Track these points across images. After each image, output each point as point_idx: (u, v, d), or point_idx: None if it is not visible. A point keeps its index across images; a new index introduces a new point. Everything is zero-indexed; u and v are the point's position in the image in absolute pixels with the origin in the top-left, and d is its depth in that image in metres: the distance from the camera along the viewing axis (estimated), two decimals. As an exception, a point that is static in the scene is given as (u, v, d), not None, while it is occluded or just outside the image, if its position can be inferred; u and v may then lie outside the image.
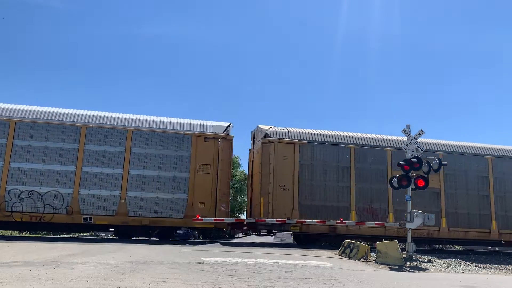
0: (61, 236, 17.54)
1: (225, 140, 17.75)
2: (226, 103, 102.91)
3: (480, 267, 13.24)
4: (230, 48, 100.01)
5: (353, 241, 13.90)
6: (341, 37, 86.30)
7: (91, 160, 16.52)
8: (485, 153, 19.73)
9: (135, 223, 16.49)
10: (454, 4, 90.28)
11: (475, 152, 19.65)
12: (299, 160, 17.88)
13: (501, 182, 19.53)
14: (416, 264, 12.41)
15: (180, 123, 17.71)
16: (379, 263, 12.10)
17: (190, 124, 17.79)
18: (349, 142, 18.57)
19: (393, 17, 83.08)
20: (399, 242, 12.73)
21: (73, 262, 8.74)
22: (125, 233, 17.07)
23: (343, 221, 16.81)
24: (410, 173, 13.80)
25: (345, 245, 14.15)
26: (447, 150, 19.27)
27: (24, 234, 20.50)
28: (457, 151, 19.43)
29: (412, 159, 13.75)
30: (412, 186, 13.82)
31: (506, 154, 19.98)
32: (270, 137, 17.96)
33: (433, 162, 14.18)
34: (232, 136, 17.99)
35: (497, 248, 21.99)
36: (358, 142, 18.62)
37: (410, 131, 14.33)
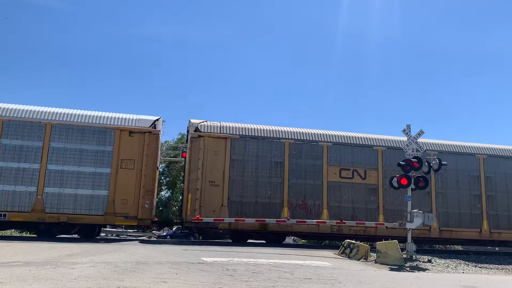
0: (61, 236, 17.48)
1: (151, 134, 17.08)
2: (229, 103, 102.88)
3: (480, 267, 13.24)
4: (230, 48, 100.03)
5: (353, 241, 13.90)
6: (340, 37, 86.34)
7: (7, 155, 15.93)
8: (477, 152, 19.60)
9: (52, 220, 15.87)
10: (454, 5, 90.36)
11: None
12: (230, 155, 17.42)
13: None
14: (416, 264, 12.41)
15: (103, 116, 17.07)
16: (379, 263, 12.11)
17: (114, 117, 17.18)
18: (283, 137, 18.09)
19: (393, 17, 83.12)
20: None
21: (73, 262, 8.75)
22: (47, 231, 16.28)
23: (343, 221, 16.77)
24: (410, 173, 13.80)
25: (345, 245, 14.16)
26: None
27: (24, 234, 20.48)
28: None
29: (412, 159, 13.75)
30: (412, 186, 13.83)
31: (498, 153, 19.83)
32: (201, 132, 17.46)
33: (433, 162, 14.19)
34: (159, 131, 17.34)
35: (497, 248, 21.99)
36: (293, 137, 18.15)
37: (410, 131, 14.33)
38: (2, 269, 7.54)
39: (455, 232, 18.80)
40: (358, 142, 18.62)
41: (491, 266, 13.87)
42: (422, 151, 14.36)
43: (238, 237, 17.95)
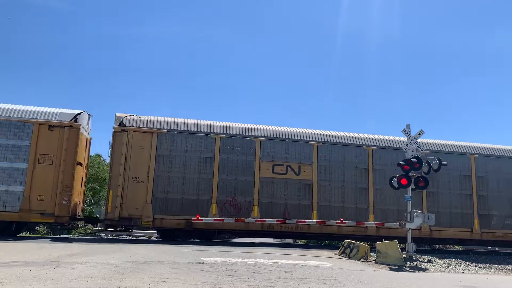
0: (61, 236, 17.49)
1: (72, 129, 16.45)
2: (226, 103, 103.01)
3: (480, 267, 13.24)
4: (230, 48, 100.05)
5: (353, 241, 13.90)
6: (340, 37, 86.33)
7: None
8: (468, 151, 19.53)
9: None
10: (454, 5, 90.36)
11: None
12: (156, 151, 16.86)
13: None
14: (416, 264, 12.42)
15: (21, 110, 16.54)
16: (379, 263, 12.11)
17: (33, 111, 16.56)
18: (214, 131, 17.58)
19: (393, 17, 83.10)
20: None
21: (73, 262, 8.75)
22: None
23: (343, 221, 16.75)
24: (410, 173, 13.79)
25: (345, 245, 14.16)
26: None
27: (24, 234, 20.47)
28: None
29: (412, 159, 13.74)
30: (412, 186, 13.82)
31: (489, 153, 19.74)
32: (125, 126, 16.88)
33: (433, 162, 14.18)
34: (80, 125, 16.66)
35: (497, 248, 21.97)
36: (224, 132, 17.64)
37: (410, 131, 14.33)
38: (2, 269, 7.54)
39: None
40: (292, 137, 18.21)
41: (491, 266, 13.87)
42: (422, 151, 14.35)
43: (165, 235, 17.50)
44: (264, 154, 17.75)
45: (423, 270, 11.58)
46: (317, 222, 16.95)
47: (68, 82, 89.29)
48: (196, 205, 16.83)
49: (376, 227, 17.57)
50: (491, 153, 19.79)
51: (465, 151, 19.53)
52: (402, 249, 13.33)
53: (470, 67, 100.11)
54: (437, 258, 13.86)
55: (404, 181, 13.68)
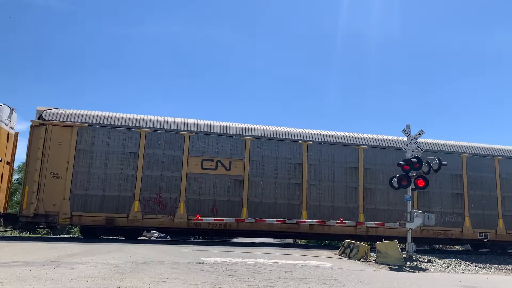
0: (61, 236, 17.47)
1: None
2: (229, 101, 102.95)
3: (480, 267, 13.24)
4: (230, 48, 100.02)
5: (353, 241, 13.91)
6: (340, 37, 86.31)
7: None
8: (460, 151, 19.42)
9: None
10: (454, 5, 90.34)
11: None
12: (76, 145, 16.27)
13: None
14: (416, 264, 12.41)
15: None
16: (379, 263, 12.11)
17: None
18: (139, 125, 17.00)
19: (393, 17, 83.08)
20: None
21: (73, 262, 8.74)
22: None
23: (343, 221, 16.70)
24: (410, 173, 13.79)
25: (345, 245, 14.16)
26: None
27: (24, 234, 20.48)
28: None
29: (412, 159, 13.75)
30: (412, 186, 13.82)
31: (480, 152, 19.63)
32: (45, 120, 16.30)
33: (433, 162, 14.19)
34: None
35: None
36: (150, 126, 17.06)
37: (410, 131, 14.33)
38: (2, 269, 7.54)
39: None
40: (224, 132, 17.70)
41: (491, 266, 13.88)
42: (422, 151, 14.35)
43: (87, 233, 17.06)
44: (194, 149, 17.21)
45: (423, 270, 11.58)
46: (235, 220, 16.52)
47: (67, 80, 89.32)
48: (118, 202, 16.32)
49: (310, 225, 17.09)
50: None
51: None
52: (402, 249, 13.33)
53: (470, 67, 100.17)
54: (437, 258, 13.88)
55: (404, 181, 13.69)
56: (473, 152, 19.60)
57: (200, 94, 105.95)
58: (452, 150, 19.48)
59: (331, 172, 18.24)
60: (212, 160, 17.29)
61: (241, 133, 17.86)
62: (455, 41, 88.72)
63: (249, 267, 9.35)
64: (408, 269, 11.56)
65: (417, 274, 10.81)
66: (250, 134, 17.91)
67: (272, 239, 25.30)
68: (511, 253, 19.46)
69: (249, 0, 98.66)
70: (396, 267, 11.64)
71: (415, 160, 13.71)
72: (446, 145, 19.71)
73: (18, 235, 20.06)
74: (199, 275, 7.91)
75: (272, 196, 17.59)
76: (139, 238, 20.63)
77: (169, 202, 16.73)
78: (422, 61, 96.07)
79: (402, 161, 13.90)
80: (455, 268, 12.43)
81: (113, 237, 17.64)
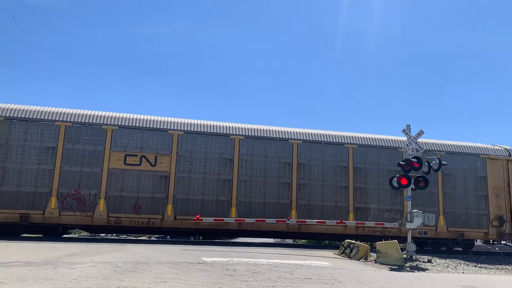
0: (63, 236, 17.44)
1: None
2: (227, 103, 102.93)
3: (480, 267, 13.25)
4: (230, 48, 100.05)
5: (353, 241, 13.91)
6: (340, 37, 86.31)
7: None
8: (436, 149, 19.04)
9: None
10: (454, 5, 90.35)
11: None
12: None
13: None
14: (416, 264, 12.42)
15: None
16: (379, 263, 12.11)
17: None
18: (58, 119, 16.38)
19: (393, 17, 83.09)
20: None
21: (73, 262, 8.74)
22: None
23: (343, 221, 16.65)
24: (410, 173, 13.79)
25: (345, 245, 14.16)
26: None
27: (23, 234, 20.46)
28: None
29: (412, 159, 13.75)
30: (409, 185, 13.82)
31: (455, 150, 19.37)
32: None
33: (433, 162, 14.20)
34: None
35: (497, 248, 21.96)
36: (69, 119, 16.47)
37: (410, 131, 14.33)
38: (2, 269, 7.54)
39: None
40: (149, 126, 17.08)
41: (491, 266, 13.89)
42: (422, 151, 14.35)
43: (2, 231, 16.03)
44: (116, 144, 16.65)
45: (423, 270, 11.58)
46: (160, 218, 16.31)
47: (67, 80, 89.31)
48: (34, 198, 15.79)
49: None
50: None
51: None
52: (402, 249, 13.34)
53: (470, 67, 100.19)
54: (437, 258, 13.88)
55: (404, 181, 13.70)
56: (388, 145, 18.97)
57: (200, 94, 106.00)
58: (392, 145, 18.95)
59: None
60: (136, 155, 16.74)
61: (168, 127, 17.26)
62: (455, 41, 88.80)
63: (249, 267, 9.35)
64: (408, 269, 11.57)
65: (417, 274, 10.81)
66: (178, 128, 17.35)
67: (272, 239, 25.28)
68: (457, 251, 19.14)
69: (249, 0, 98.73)
70: (396, 267, 11.64)
71: (414, 160, 13.72)
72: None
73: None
74: (199, 275, 7.91)
75: (196, 192, 17.04)
76: (139, 238, 20.65)
77: (89, 198, 16.18)
78: (422, 61, 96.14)
79: (402, 161, 13.90)
80: (455, 268, 12.43)
81: (32, 235, 17.04)
